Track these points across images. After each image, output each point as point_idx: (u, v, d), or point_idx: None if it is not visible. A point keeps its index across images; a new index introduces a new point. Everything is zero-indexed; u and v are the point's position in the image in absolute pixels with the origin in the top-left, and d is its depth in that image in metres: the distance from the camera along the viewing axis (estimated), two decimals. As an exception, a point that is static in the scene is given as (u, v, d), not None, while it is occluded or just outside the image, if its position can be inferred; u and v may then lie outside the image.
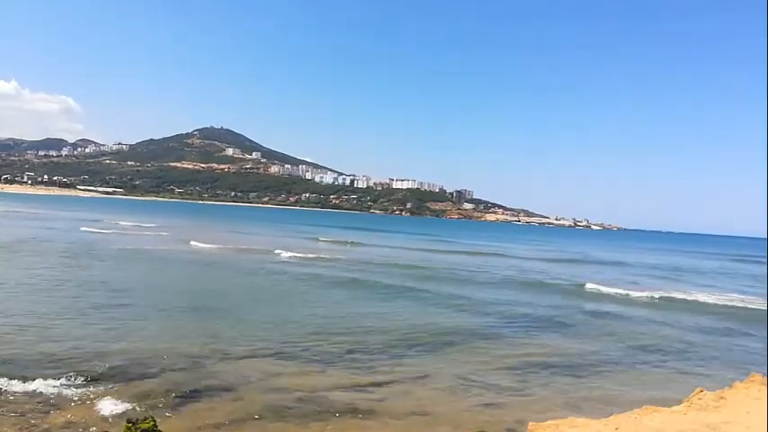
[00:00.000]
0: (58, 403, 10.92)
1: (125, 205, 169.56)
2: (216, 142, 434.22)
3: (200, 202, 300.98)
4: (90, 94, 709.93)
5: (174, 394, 11.80)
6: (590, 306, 29.13)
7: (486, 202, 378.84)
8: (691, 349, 20.32)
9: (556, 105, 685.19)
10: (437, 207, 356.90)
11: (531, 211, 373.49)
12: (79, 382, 12.07)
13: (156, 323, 18.30)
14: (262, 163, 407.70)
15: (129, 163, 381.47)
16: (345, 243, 68.44)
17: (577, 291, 35.41)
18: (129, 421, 9.40)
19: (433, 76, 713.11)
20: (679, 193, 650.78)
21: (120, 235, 55.67)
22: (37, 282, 24.49)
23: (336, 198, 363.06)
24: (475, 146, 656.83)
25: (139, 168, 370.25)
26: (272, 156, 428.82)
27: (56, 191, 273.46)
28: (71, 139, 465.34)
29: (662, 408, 8.82)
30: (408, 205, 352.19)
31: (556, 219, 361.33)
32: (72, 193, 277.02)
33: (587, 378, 15.53)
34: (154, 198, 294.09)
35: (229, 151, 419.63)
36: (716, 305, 32.40)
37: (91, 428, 9.89)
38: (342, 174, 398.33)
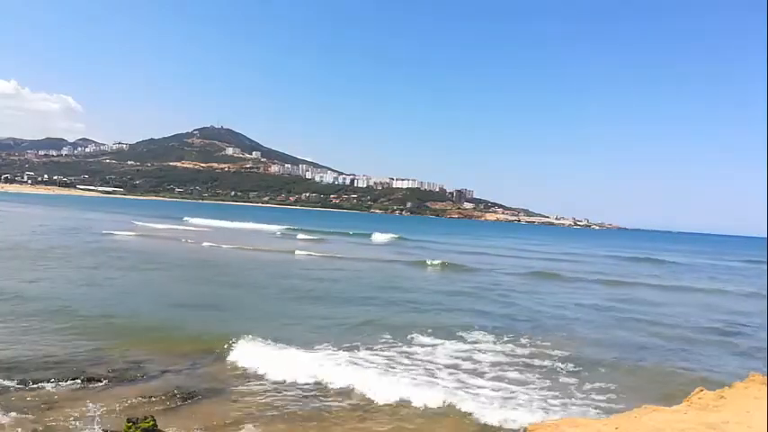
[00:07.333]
0: (57, 403, 10.92)
1: (136, 205, 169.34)
2: (216, 142, 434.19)
3: (201, 201, 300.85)
4: (90, 94, 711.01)
5: (174, 394, 11.81)
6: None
7: (486, 202, 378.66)
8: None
9: (556, 104, 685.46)
10: (437, 207, 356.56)
11: (531, 210, 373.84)
12: (79, 382, 12.08)
13: (156, 322, 18.30)
14: (262, 162, 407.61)
15: (129, 162, 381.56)
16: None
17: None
18: (129, 420, 9.43)
19: (433, 75, 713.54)
20: (681, 192, 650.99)
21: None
22: (41, 283, 24.49)
23: (336, 198, 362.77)
24: (475, 145, 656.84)
25: (139, 168, 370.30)
26: (272, 155, 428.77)
27: (56, 190, 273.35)
28: (71, 139, 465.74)
29: (662, 407, 8.80)
30: (408, 205, 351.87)
31: (556, 218, 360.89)
32: (72, 192, 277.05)
33: (587, 376, 15.51)
34: (154, 197, 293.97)
35: (229, 151, 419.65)
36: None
37: (91, 428, 9.89)
38: (342, 173, 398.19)
